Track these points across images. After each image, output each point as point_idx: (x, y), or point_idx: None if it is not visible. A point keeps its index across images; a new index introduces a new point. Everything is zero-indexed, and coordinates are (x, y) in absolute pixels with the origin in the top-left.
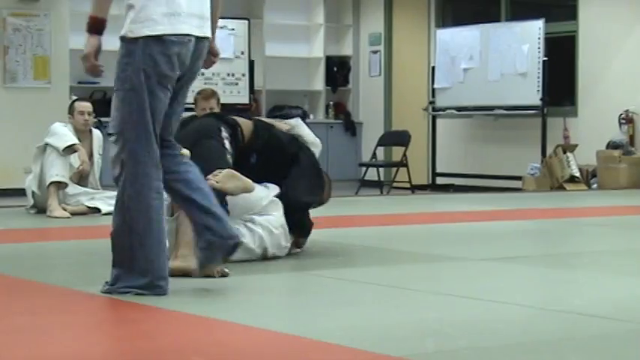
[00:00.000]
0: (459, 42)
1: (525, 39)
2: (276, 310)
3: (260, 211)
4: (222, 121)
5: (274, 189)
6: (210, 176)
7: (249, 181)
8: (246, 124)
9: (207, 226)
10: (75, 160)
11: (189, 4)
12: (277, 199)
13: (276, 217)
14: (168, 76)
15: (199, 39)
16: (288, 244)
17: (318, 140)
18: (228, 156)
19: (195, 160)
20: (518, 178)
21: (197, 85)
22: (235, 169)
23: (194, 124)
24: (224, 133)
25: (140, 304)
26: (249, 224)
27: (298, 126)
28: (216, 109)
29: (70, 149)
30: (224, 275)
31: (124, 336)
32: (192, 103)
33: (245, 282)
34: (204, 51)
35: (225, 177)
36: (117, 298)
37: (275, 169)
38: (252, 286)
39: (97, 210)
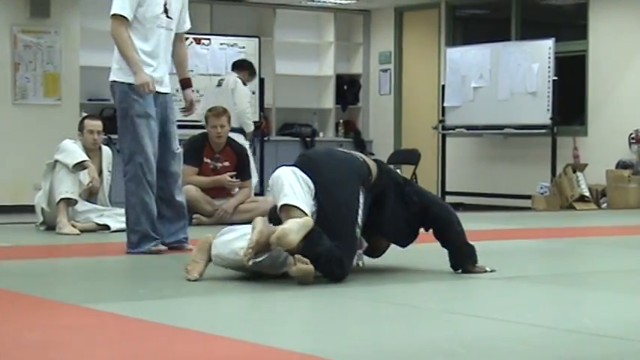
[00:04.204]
0: (469, 61)
1: (535, 58)
2: (286, 328)
3: None
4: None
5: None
6: None
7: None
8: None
9: None
10: (84, 177)
11: None
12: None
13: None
14: None
15: None
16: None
17: None
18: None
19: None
20: (528, 197)
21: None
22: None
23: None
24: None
25: (148, 321)
26: None
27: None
28: (227, 127)
29: (80, 166)
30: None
31: (131, 353)
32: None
33: (252, 299)
34: None
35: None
36: (125, 315)
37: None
38: (261, 304)
39: (106, 227)
